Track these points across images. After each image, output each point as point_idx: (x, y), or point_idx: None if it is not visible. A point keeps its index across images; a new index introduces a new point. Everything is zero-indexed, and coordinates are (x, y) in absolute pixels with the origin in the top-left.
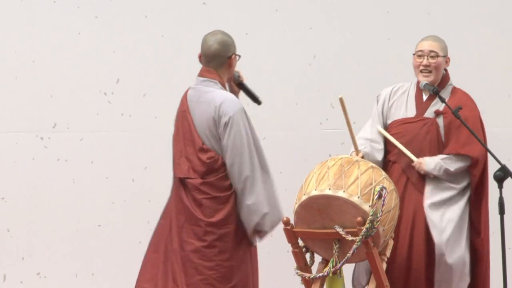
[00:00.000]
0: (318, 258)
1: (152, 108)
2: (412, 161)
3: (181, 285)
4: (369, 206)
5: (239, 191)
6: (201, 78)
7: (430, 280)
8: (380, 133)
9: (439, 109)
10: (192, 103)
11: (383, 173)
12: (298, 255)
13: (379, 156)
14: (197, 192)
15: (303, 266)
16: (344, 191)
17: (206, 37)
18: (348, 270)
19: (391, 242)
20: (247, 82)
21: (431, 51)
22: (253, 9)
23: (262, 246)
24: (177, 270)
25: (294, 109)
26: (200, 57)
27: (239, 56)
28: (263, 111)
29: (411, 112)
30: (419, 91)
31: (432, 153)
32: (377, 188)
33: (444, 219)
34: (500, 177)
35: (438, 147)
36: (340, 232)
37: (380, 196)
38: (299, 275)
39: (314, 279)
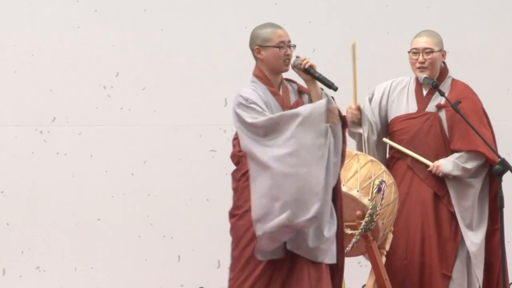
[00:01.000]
0: None
1: (152, 102)
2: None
3: None
4: (368, 200)
5: None
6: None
7: (445, 275)
8: (387, 143)
9: (441, 103)
10: None
11: (383, 166)
12: None
13: (374, 131)
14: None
15: None
16: (343, 185)
17: None
18: (348, 265)
19: (390, 236)
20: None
21: (426, 48)
22: (252, 3)
23: None
24: None
25: None
26: None
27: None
28: None
29: (413, 108)
30: (418, 86)
31: (436, 147)
32: (376, 182)
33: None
34: (500, 171)
35: (443, 141)
36: None
37: (379, 190)
38: None
39: None
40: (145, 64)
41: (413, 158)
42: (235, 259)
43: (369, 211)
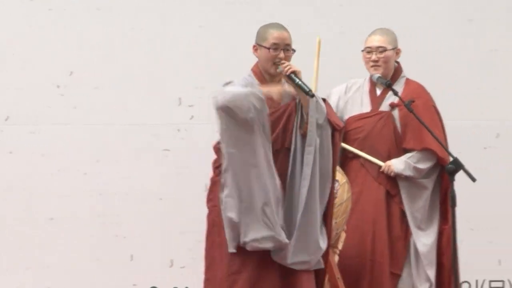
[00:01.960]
0: None
1: (105, 101)
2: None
3: None
4: None
5: None
6: None
7: (394, 274)
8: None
9: (394, 102)
10: None
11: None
12: None
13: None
14: None
15: None
16: None
17: None
18: None
19: (343, 235)
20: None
21: (379, 46)
22: (207, 1)
23: None
24: None
25: None
26: None
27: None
28: None
29: (366, 108)
30: (372, 86)
31: (389, 147)
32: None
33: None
34: (452, 170)
35: (396, 140)
36: None
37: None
38: None
39: None
40: (98, 63)
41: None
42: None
43: None
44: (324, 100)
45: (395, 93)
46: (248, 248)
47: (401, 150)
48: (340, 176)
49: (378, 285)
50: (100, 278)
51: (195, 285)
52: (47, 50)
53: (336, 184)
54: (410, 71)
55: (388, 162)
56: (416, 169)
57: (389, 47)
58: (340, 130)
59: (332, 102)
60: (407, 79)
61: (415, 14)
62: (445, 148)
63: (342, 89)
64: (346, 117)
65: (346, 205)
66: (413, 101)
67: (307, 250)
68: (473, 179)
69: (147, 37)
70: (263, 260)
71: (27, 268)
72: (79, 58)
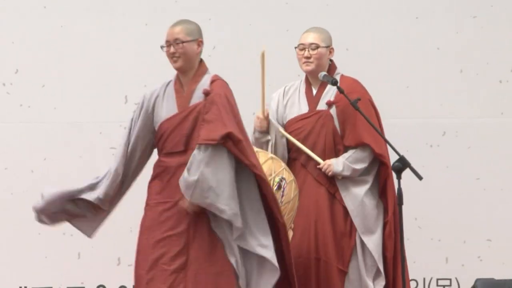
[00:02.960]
0: None
1: (51, 99)
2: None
3: None
4: None
5: None
6: None
7: (341, 271)
8: (283, 136)
9: (330, 100)
10: None
11: (282, 164)
12: None
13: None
14: None
15: None
16: None
17: None
18: None
19: (290, 233)
20: None
21: (312, 43)
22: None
23: None
24: None
25: None
26: None
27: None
28: None
29: (304, 108)
30: (308, 86)
31: (327, 145)
32: (277, 179)
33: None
34: (399, 168)
35: (334, 138)
36: None
37: (279, 187)
38: None
39: None
40: (45, 61)
41: (307, 156)
42: None
43: None
44: None
45: (341, 91)
46: None
47: (341, 147)
48: (287, 174)
49: (326, 283)
50: (48, 276)
51: None
52: None
53: (283, 182)
54: (356, 69)
55: (328, 161)
56: (354, 170)
57: (322, 44)
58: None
59: (272, 108)
60: (342, 75)
61: (356, 13)
62: (391, 145)
63: (280, 93)
64: (286, 119)
65: (293, 203)
66: (360, 99)
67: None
68: (420, 177)
69: (93, 35)
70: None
71: None
72: (25, 56)
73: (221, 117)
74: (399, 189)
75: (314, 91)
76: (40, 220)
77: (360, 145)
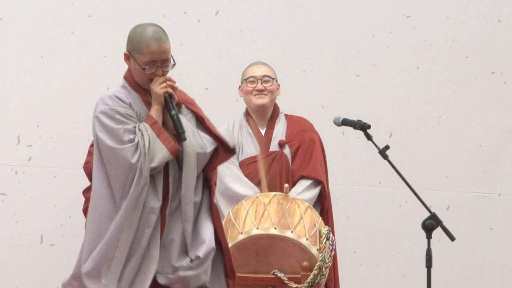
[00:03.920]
0: None
1: None
2: None
3: None
4: (317, 250)
5: None
6: None
7: None
8: None
9: (283, 140)
10: None
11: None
12: None
13: None
14: None
15: None
16: (292, 231)
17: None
18: None
19: None
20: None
21: (264, 75)
22: (49, 31)
23: None
24: None
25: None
26: None
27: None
28: None
29: (255, 149)
30: (254, 126)
31: (282, 183)
32: (324, 231)
33: None
34: (431, 226)
35: (287, 176)
36: (281, 278)
37: (327, 239)
38: None
39: None
40: None
41: None
42: None
43: (318, 263)
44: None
45: (369, 138)
46: None
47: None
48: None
49: None
50: None
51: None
52: None
53: (331, 235)
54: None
55: None
56: None
57: (274, 77)
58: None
59: None
60: (286, 114)
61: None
62: (422, 200)
63: (224, 132)
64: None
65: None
66: (389, 147)
67: None
68: (452, 238)
69: None
70: None
71: None
72: None
73: None
74: (429, 249)
75: (262, 131)
76: None
77: (313, 179)
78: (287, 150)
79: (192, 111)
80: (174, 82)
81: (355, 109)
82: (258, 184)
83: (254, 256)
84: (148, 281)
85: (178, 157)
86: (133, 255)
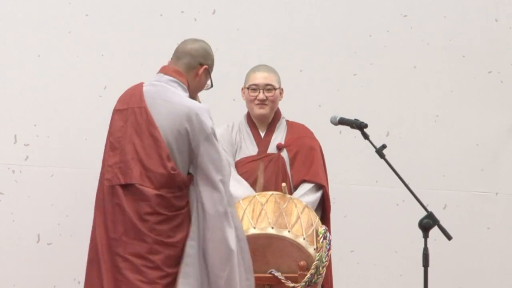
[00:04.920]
0: None
1: None
2: None
3: None
4: (314, 249)
5: None
6: (168, 77)
7: None
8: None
9: (281, 143)
10: (154, 103)
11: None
12: None
13: None
14: (146, 204)
15: None
16: (289, 231)
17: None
18: None
19: None
20: None
21: (267, 84)
22: (46, 31)
23: None
24: None
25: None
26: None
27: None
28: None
29: (253, 150)
30: (254, 128)
31: (277, 185)
32: (321, 230)
33: None
34: (428, 226)
35: (283, 179)
36: (279, 277)
37: (324, 238)
38: None
39: None
40: None
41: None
42: None
43: (315, 262)
44: None
45: (367, 139)
46: None
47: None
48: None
49: None
50: None
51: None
52: None
53: (328, 234)
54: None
55: None
56: None
57: (276, 85)
58: None
59: (224, 148)
60: (287, 120)
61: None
62: (418, 199)
63: (228, 131)
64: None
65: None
66: (385, 146)
67: None
68: (449, 237)
69: None
70: None
71: None
72: None
73: None
74: (426, 249)
75: (262, 134)
76: None
77: (314, 183)
78: (284, 154)
79: None
80: None
81: (352, 108)
82: (252, 183)
83: (251, 255)
84: None
85: None
86: None
